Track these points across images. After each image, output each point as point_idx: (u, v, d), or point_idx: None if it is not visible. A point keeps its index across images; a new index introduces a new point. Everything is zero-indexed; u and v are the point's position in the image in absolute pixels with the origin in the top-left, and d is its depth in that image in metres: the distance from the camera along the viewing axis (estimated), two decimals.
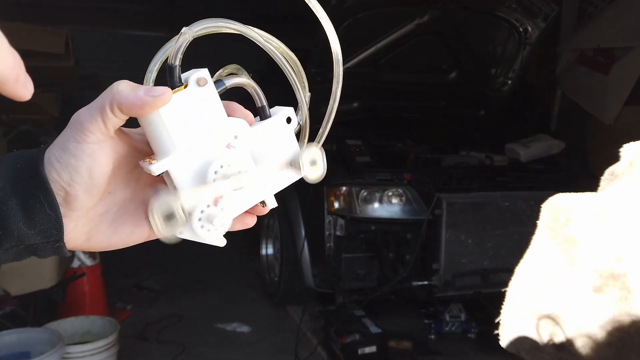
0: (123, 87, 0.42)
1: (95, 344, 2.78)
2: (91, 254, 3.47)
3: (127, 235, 0.48)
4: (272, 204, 0.50)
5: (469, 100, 4.49)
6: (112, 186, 0.47)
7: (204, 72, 0.45)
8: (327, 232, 3.35)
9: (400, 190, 3.24)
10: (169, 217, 0.42)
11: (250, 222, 0.51)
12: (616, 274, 0.98)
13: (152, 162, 0.44)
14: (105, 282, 3.64)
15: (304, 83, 0.49)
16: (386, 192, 3.24)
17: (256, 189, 0.48)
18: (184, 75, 0.45)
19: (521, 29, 3.97)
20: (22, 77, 0.27)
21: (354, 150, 3.54)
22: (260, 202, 0.49)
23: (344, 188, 3.22)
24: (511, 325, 1.15)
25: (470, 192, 3.27)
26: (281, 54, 0.48)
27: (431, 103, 4.49)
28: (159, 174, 0.44)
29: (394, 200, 3.24)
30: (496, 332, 1.17)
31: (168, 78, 0.44)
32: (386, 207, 3.24)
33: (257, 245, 4.34)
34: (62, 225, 0.44)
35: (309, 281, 3.56)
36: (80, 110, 0.44)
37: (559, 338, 1.06)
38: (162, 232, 0.42)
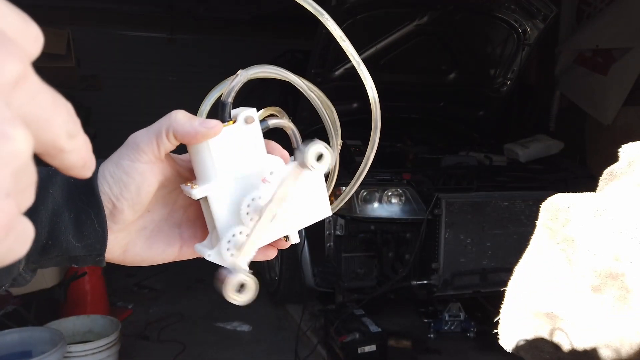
0: (181, 117, 0.46)
1: (97, 343, 2.79)
2: None
3: (159, 253, 0.52)
4: (295, 239, 0.53)
5: (468, 100, 4.50)
6: (152, 205, 0.50)
7: (252, 112, 0.48)
8: (327, 231, 3.37)
9: (399, 190, 3.25)
10: (242, 287, 0.46)
11: (272, 254, 0.54)
12: (615, 274, 0.99)
13: (194, 186, 0.47)
14: (107, 282, 3.64)
15: (337, 131, 0.54)
16: (386, 192, 3.25)
17: (282, 224, 0.51)
18: (233, 112, 0.49)
19: (520, 30, 3.98)
20: (89, 162, 0.30)
21: (353, 151, 3.55)
22: (284, 237, 0.53)
23: (343, 188, 3.23)
24: (510, 325, 1.16)
25: (469, 192, 3.28)
26: (321, 102, 0.52)
27: (430, 103, 4.50)
28: (199, 199, 0.48)
29: (394, 200, 3.25)
30: (495, 331, 1.18)
31: (220, 112, 0.48)
32: (386, 207, 3.26)
33: None
34: (106, 242, 0.47)
35: (309, 280, 3.58)
36: (137, 132, 0.47)
37: (557, 337, 1.07)
38: (240, 301, 0.47)
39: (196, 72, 7.59)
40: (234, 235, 0.47)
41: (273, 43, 6.46)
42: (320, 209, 0.54)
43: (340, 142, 0.54)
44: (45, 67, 4.12)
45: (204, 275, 4.69)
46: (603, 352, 1.01)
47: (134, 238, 0.50)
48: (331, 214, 0.55)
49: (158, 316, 3.90)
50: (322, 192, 0.54)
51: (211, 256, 0.48)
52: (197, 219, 0.53)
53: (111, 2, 6.97)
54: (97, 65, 6.26)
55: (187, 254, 0.53)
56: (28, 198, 0.24)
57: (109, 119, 6.85)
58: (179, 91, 7.63)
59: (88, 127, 6.07)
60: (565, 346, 1.05)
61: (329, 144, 0.54)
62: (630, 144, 1.06)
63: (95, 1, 6.91)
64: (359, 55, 0.50)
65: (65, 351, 2.54)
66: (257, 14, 7.31)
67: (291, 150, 0.53)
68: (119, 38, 7.37)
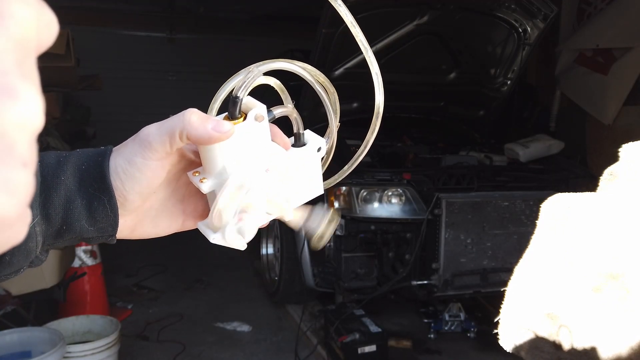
0: (194, 120, 0.46)
1: (96, 343, 2.79)
2: (92, 254, 3.48)
3: (164, 229, 0.56)
4: (289, 216, 0.56)
5: (468, 100, 4.50)
6: (157, 187, 0.53)
7: (262, 110, 0.50)
8: None
9: (399, 190, 3.25)
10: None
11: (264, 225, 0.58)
12: (615, 274, 0.99)
13: (203, 180, 0.50)
14: (106, 282, 3.64)
15: (337, 113, 0.55)
16: (386, 192, 3.25)
17: (281, 204, 0.54)
18: (243, 102, 0.50)
19: (520, 30, 3.98)
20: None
21: (353, 150, 3.55)
22: None
23: (343, 188, 3.23)
24: (510, 325, 1.15)
25: (469, 192, 3.28)
26: (324, 86, 0.54)
27: (431, 103, 4.50)
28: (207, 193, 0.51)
29: (394, 200, 3.25)
30: (495, 331, 1.18)
31: (230, 107, 0.49)
32: (386, 206, 3.25)
33: (257, 244, 4.35)
34: (118, 224, 0.50)
35: (309, 280, 3.57)
36: (149, 127, 0.48)
37: (558, 337, 1.07)
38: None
39: (196, 72, 7.59)
40: (238, 221, 0.49)
41: (273, 43, 6.46)
42: (314, 187, 0.57)
43: (338, 123, 0.56)
44: (45, 66, 4.10)
45: (203, 275, 4.70)
46: (603, 351, 1.00)
47: (141, 219, 0.54)
48: (323, 192, 0.58)
49: (158, 316, 3.89)
50: (317, 172, 0.57)
51: (215, 239, 0.50)
52: (197, 192, 0.55)
53: (111, 1, 6.97)
54: (97, 65, 6.24)
55: (189, 226, 0.57)
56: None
57: (108, 118, 6.85)
58: (179, 91, 7.64)
59: (88, 126, 6.07)
60: (566, 346, 1.05)
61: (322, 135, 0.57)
62: (630, 143, 1.06)
63: (95, 1, 6.90)
64: (360, 54, 0.51)
65: (64, 351, 2.54)
66: (257, 14, 7.31)
67: (290, 133, 0.56)
68: (119, 38, 7.37)
